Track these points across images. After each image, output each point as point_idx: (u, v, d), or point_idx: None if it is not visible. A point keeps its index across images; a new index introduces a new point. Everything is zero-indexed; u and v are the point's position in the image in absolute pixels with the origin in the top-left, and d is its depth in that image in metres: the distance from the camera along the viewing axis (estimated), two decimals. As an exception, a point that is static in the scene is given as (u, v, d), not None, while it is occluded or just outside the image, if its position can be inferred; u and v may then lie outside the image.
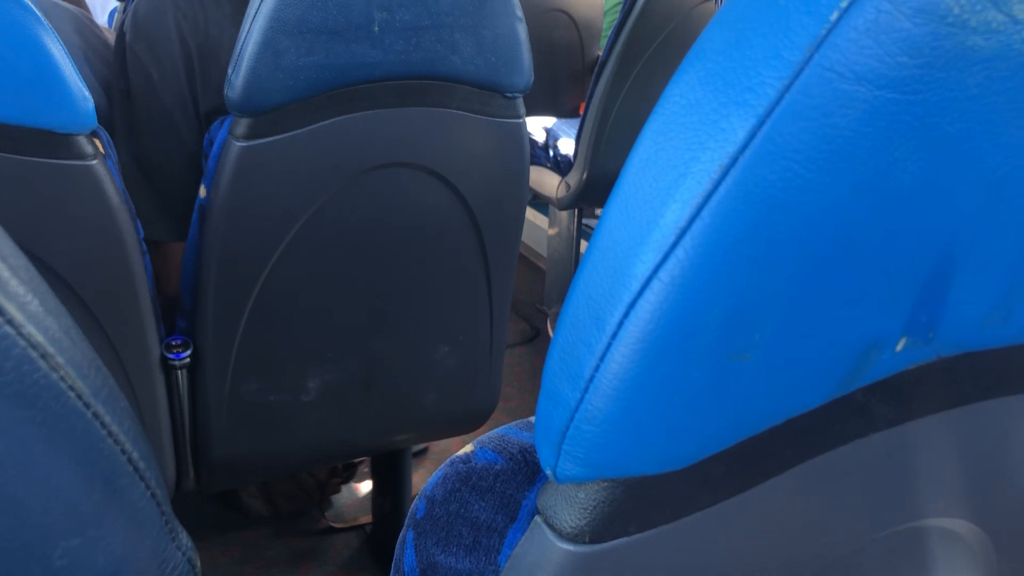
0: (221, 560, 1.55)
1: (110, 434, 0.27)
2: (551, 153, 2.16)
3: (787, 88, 0.32)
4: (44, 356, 0.25)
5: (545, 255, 2.61)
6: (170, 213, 1.13)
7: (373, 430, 1.31)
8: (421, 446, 1.83)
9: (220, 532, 1.61)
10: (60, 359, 0.25)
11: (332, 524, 1.64)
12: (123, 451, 0.28)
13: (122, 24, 1.10)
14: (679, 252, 0.33)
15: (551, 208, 2.36)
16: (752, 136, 0.32)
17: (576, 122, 2.07)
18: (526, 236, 2.79)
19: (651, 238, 0.34)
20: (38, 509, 0.26)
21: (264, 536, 1.61)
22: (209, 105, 1.09)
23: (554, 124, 2.25)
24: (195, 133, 1.09)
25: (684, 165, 0.33)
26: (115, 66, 1.10)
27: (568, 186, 2.05)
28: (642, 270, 0.34)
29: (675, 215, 0.33)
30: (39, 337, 0.25)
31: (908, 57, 0.31)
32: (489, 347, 1.31)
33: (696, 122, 0.34)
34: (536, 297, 2.61)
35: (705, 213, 0.33)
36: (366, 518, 1.65)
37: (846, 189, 0.33)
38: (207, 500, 1.65)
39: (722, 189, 0.32)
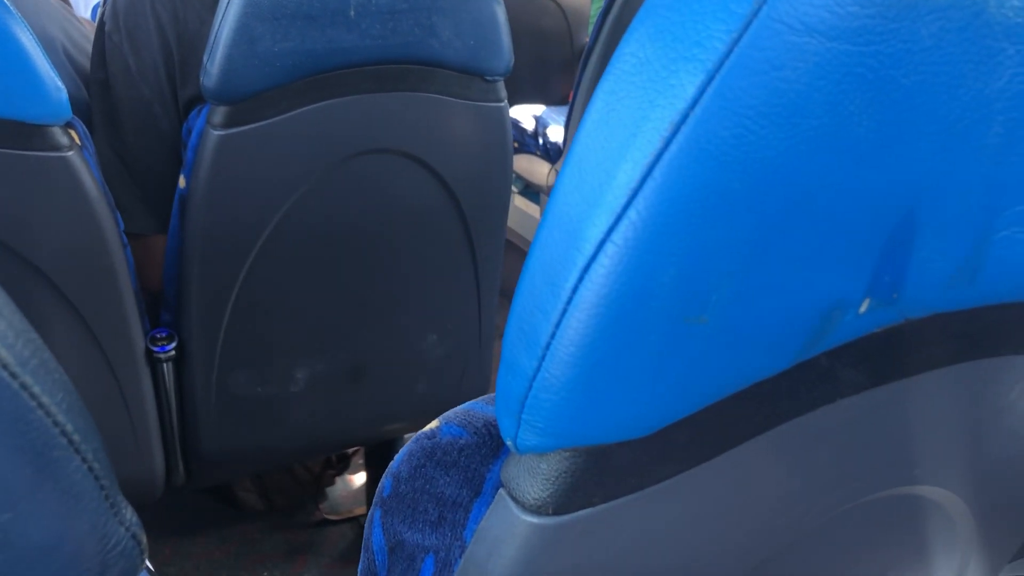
0: (216, 555, 1.55)
1: (40, 405, 0.26)
2: (541, 141, 2.15)
3: (736, 41, 0.31)
4: (-36, 325, 0.24)
5: (538, 244, 2.60)
6: (152, 205, 1.12)
7: (364, 420, 1.30)
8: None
9: (215, 527, 1.60)
10: (-18, 328, 0.25)
11: (327, 516, 1.63)
12: (55, 423, 0.27)
13: (102, 15, 1.09)
14: (631, 213, 0.32)
15: (542, 196, 2.35)
16: (702, 92, 0.31)
17: (565, 109, 2.06)
18: (518, 225, 2.79)
19: (603, 200, 0.33)
20: (-36, 483, 0.25)
21: (259, 530, 1.61)
22: (189, 96, 1.08)
23: (543, 112, 2.24)
24: (175, 124, 1.08)
25: (635, 124, 0.33)
26: (94, 57, 1.10)
27: (558, 173, 2.04)
28: (595, 233, 0.33)
29: (627, 175, 0.33)
30: (-41, 306, 0.24)
31: (859, 7, 0.31)
32: (478, 335, 1.30)
33: (646, 80, 0.33)
34: (530, 286, 2.60)
35: (657, 172, 0.32)
36: (361, 509, 1.65)
37: (800, 144, 0.32)
38: (201, 495, 1.65)
39: (673, 147, 0.32)
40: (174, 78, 1.07)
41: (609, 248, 0.33)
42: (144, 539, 0.31)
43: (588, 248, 0.33)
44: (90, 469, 0.28)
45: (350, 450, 1.70)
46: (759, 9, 0.31)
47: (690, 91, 0.31)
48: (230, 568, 1.53)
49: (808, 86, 0.31)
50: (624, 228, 0.33)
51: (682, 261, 0.33)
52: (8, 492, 0.26)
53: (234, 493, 1.61)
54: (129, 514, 0.31)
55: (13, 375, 0.25)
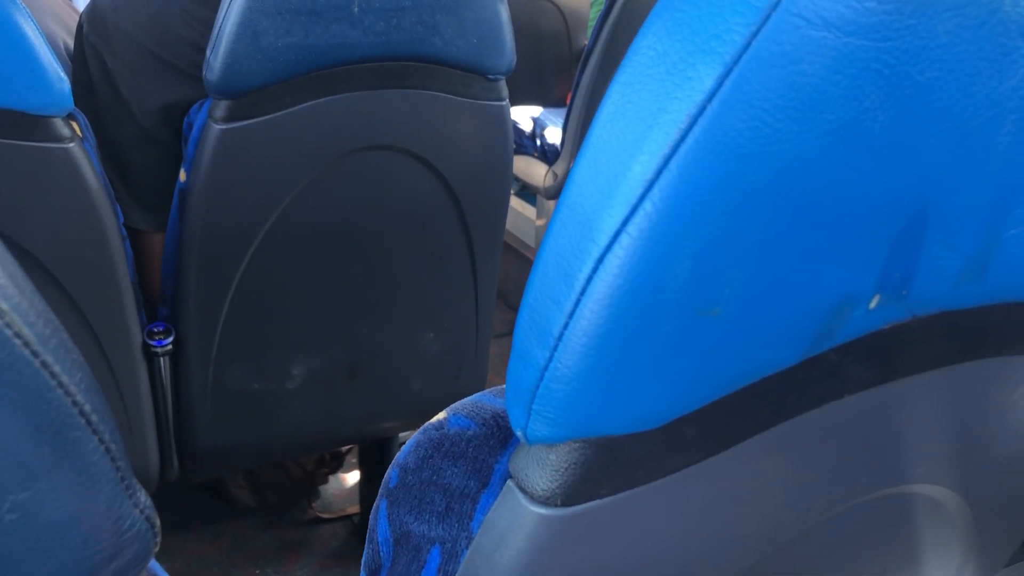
0: (209, 551, 1.54)
1: (60, 384, 0.26)
2: (538, 142, 2.16)
3: (754, 35, 0.31)
4: (-13, 302, 0.24)
5: (533, 245, 2.60)
6: (143, 203, 1.12)
7: (359, 417, 1.30)
8: (408, 434, 1.82)
9: (207, 523, 1.60)
10: (5, 305, 0.25)
11: (320, 514, 1.63)
12: (74, 403, 0.27)
13: (81, 16, 1.09)
14: (647, 205, 0.33)
15: (539, 198, 2.35)
16: (720, 85, 0.32)
17: (563, 111, 2.07)
18: (514, 227, 2.79)
19: (619, 191, 0.33)
20: (-16, 460, 0.25)
21: (252, 527, 1.60)
22: (168, 100, 1.07)
23: (541, 113, 2.25)
24: (157, 124, 1.07)
25: (652, 116, 0.33)
26: (75, 58, 1.09)
27: (555, 175, 2.04)
28: (610, 224, 0.33)
29: (643, 167, 0.33)
30: (-18, 282, 0.24)
31: (876, 3, 0.31)
32: (475, 333, 1.30)
33: (664, 72, 0.33)
34: (524, 287, 2.60)
35: (673, 164, 0.32)
36: (354, 508, 1.65)
37: (815, 139, 0.32)
38: (194, 491, 1.64)
39: (690, 139, 0.32)
40: (153, 78, 1.06)
41: (624, 239, 0.33)
42: (158, 523, 0.31)
43: (603, 239, 0.34)
44: (107, 450, 0.28)
45: (344, 448, 1.70)
46: (778, 3, 0.31)
47: (708, 84, 0.32)
48: (222, 564, 1.53)
49: (825, 80, 0.32)
50: (639, 219, 0.33)
51: (697, 253, 0.33)
52: (27, 471, 0.26)
53: (227, 489, 1.61)
54: (143, 497, 0.31)
55: (35, 353, 0.25)
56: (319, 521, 1.63)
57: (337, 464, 1.70)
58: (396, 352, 1.25)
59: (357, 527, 1.63)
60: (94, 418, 0.28)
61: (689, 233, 0.33)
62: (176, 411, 1.17)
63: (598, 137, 0.35)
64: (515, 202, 2.56)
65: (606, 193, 0.34)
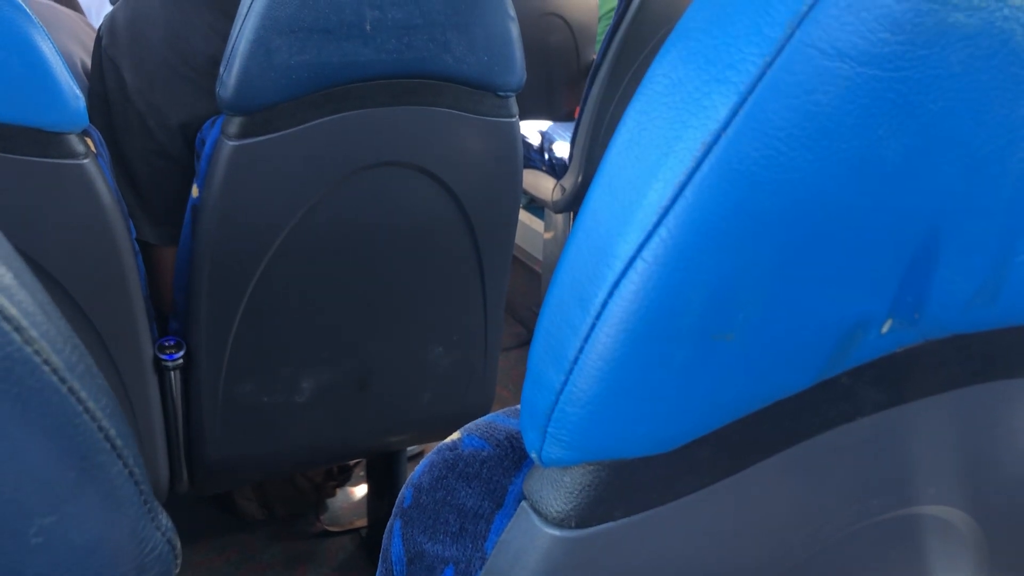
0: (216, 563, 1.55)
1: (86, 410, 0.27)
2: (546, 156, 2.16)
3: (769, 65, 0.32)
4: (18, 329, 0.25)
5: (541, 259, 2.61)
6: (155, 217, 1.12)
7: (367, 431, 1.30)
8: (416, 449, 1.82)
9: (215, 535, 1.60)
10: (34, 333, 0.25)
11: (327, 527, 1.63)
12: (100, 428, 0.27)
13: (100, 30, 1.10)
14: (662, 231, 0.33)
15: (547, 211, 2.36)
16: (734, 114, 0.32)
17: (571, 125, 2.08)
18: (522, 240, 2.79)
19: (634, 218, 0.34)
20: (11, 485, 0.25)
21: (259, 539, 1.61)
22: (186, 115, 1.08)
23: (549, 127, 2.25)
24: (172, 139, 1.08)
25: (667, 144, 0.33)
26: (93, 71, 1.10)
27: (563, 189, 2.05)
28: (625, 250, 0.34)
29: (658, 194, 0.33)
30: (12, 310, 0.25)
31: (890, 33, 0.31)
32: (484, 348, 1.30)
33: (678, 101, 0.34)
34: (532, 300, 2.61)
35: (688, 192, 0.33)
36: (361, 521, 1.65)
37: (829, 167, 0.33)
38: (202, 503, 1.65)
39: (705, 167, 0.32)
40: (171, 92, 1.07)
41: (639, 265, 0.33)
42: (178, 544, 0.31)
43: (618, 265, 0.34)
44: (131, 474, 0.29)
45: (351, 462, 1.70)
46: (792, 34, 0.31)
47: (723, 113, 0.32)
48: (229, 577, 1.53)
49: (838, 110, 0.32)
50: (654, 246, 0.33)
51: (710, 279, 0.34)
52: (53, 495, 0.26)
53: (234, 501, 1.61)
54: (164, 520, 0.31)
55: (62, 380, 0.26)
56: (327, 534, 1.63)
57: (345, 477, 1.70)
58: (405, 366, 1.25)
59: (364, 540, 1.63)
60: (119, 443, 0.28)
61: (704, 259, 0.33)
62: (186, 424, 1.18)
63: (613, 164, 0.35)
64: (523, 215, 2.57)
65: (621, 219, 0.34)
